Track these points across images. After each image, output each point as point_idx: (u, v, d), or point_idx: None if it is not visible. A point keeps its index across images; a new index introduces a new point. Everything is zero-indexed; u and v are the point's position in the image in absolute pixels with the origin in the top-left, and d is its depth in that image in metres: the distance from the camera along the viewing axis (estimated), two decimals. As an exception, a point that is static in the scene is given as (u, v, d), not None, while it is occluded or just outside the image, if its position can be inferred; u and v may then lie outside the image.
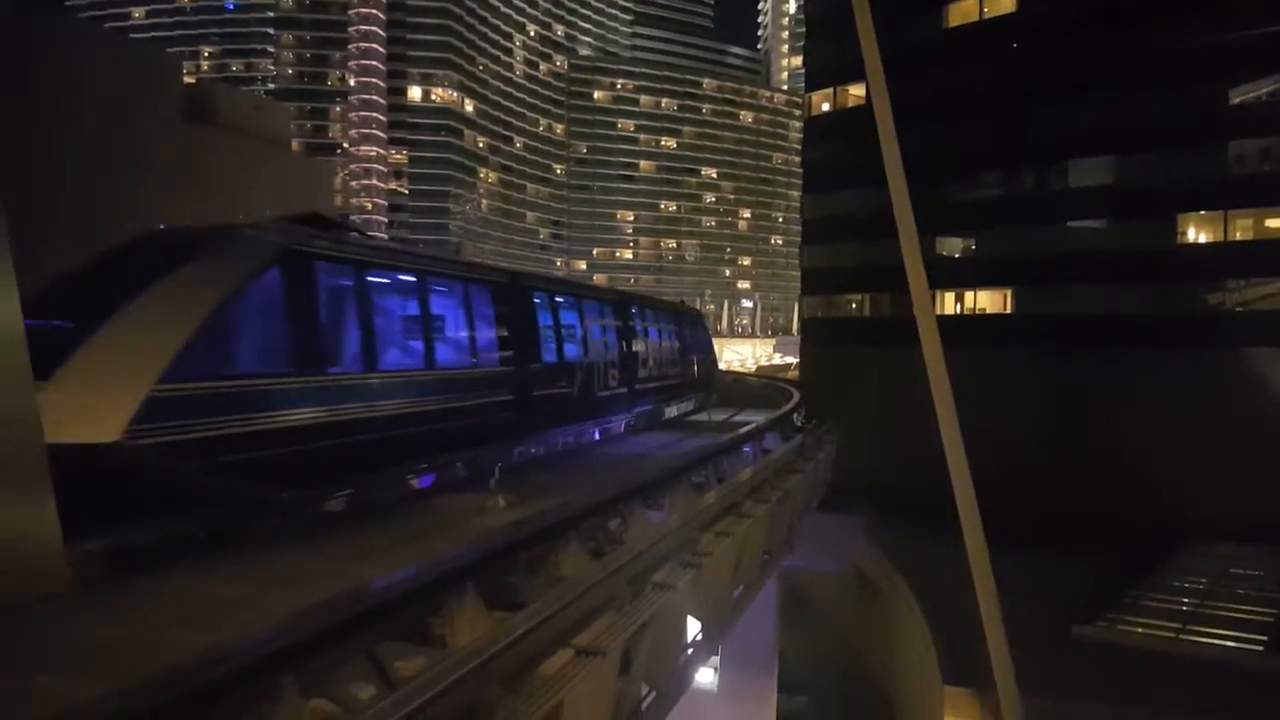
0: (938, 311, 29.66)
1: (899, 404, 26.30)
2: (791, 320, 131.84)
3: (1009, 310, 40.29)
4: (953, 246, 43.03)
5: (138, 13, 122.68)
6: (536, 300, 14.50)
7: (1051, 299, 37.59)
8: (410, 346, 10.98)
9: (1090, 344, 34.57)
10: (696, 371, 24.76)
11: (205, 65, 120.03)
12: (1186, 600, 22.04)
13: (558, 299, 15.57)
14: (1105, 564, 24.45)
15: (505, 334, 12.97)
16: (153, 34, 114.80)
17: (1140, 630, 19.95)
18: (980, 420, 19.95)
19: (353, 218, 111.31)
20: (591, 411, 16.34)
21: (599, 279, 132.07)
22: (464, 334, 12.11)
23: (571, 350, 15.49)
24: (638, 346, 19.09)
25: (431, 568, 6.28)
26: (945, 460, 17.46)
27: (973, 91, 38.32)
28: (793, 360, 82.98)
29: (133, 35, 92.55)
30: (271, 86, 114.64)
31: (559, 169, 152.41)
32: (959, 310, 41.89)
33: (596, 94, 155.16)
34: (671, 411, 22.39)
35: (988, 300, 41.79)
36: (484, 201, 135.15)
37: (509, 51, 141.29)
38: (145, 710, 3.85)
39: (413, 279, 11.21)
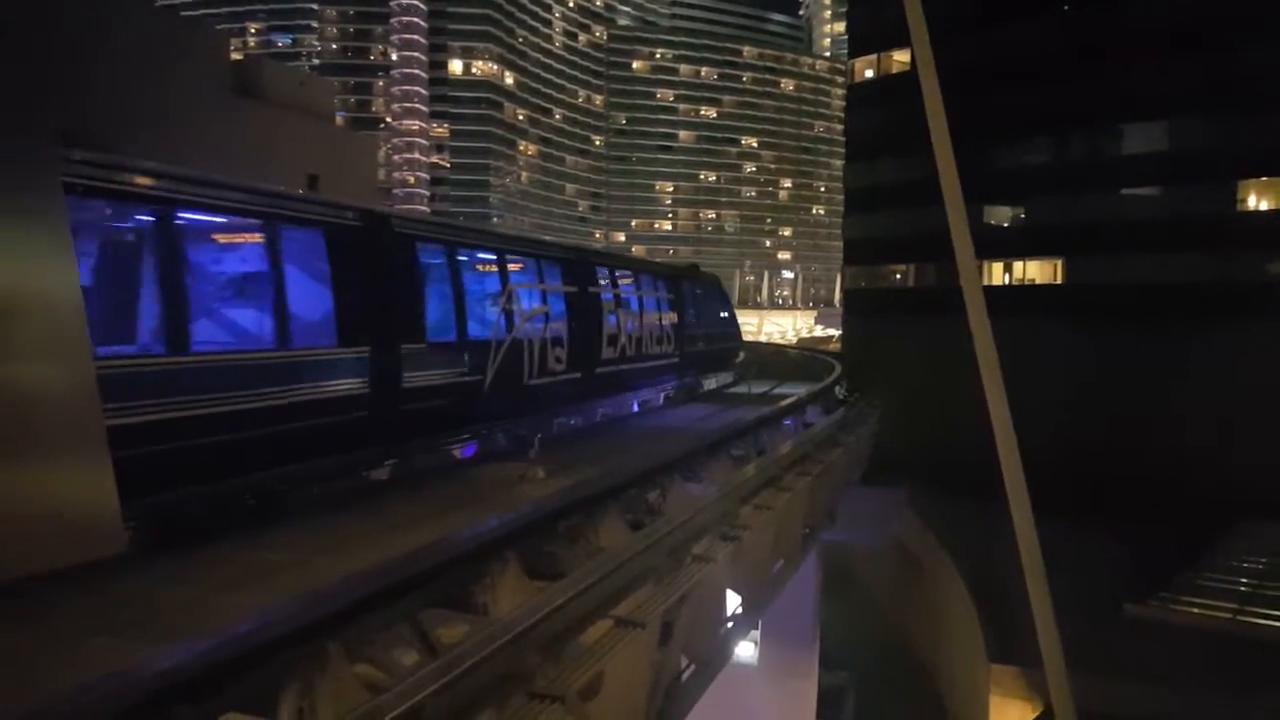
0: (985, 282, 28.99)
1: (944, 376, 25.87)
2: (833, 291, 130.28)
3: (1059, 280, 39.20)
4: (1001, 215, 41.91)
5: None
6: (424, 257, 10.86)
7: (1104, 268, 36.47)
8: (139, 319, 7.52)
9: (1144, 315, 33.52)
10: (704, 349, 20.90)
11: (252, 41, 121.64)
12: (1245, 580, 21.41)
13: (465, 255, 11.87)
14: (1157, 539, 23.85)
15: (356, 302, 9.38)
16: (201, 11, 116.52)
17: (1195, 610, 19.45)
18: (1029, 393, 19.53)
19: (395, 191, 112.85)
20: (517, 406, 12.61)
21: (637, 250, 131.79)
22: (266, 300, 8.57)
23: (484, 324, 11.85)
24: (604, 319, 15.62)
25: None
26: (991, 433, 17.16)
27: (1022, 54, 37.04)
28: (835, 332, 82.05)
29: (182, 13, 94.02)
30: (316, 62, 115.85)
31: (598, 140, 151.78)
32: (1007, 280, 40.90)
33: (635, 64, 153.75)
34: (661, 399, 19.07)
35: (1037, 270, 40.72)
36: (524, 174, 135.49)
37: (548, 23, 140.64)
38: (197, 673, 3.95)
39: (148, 217, 7.52)
